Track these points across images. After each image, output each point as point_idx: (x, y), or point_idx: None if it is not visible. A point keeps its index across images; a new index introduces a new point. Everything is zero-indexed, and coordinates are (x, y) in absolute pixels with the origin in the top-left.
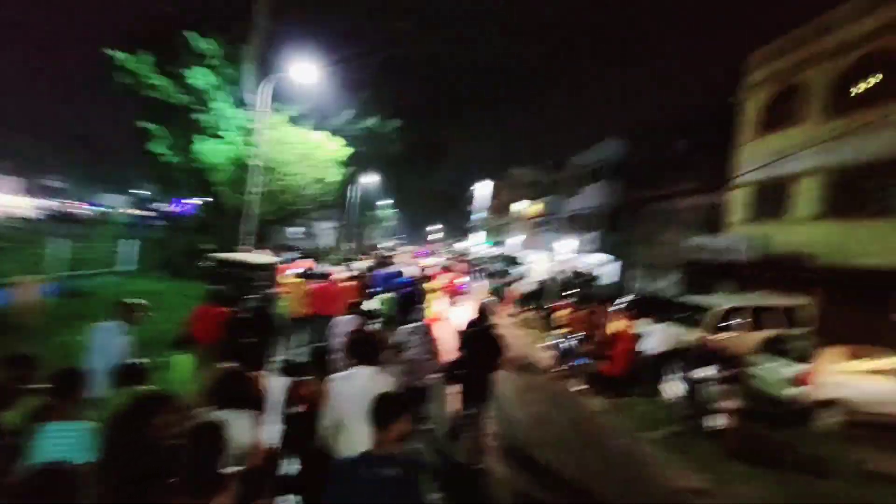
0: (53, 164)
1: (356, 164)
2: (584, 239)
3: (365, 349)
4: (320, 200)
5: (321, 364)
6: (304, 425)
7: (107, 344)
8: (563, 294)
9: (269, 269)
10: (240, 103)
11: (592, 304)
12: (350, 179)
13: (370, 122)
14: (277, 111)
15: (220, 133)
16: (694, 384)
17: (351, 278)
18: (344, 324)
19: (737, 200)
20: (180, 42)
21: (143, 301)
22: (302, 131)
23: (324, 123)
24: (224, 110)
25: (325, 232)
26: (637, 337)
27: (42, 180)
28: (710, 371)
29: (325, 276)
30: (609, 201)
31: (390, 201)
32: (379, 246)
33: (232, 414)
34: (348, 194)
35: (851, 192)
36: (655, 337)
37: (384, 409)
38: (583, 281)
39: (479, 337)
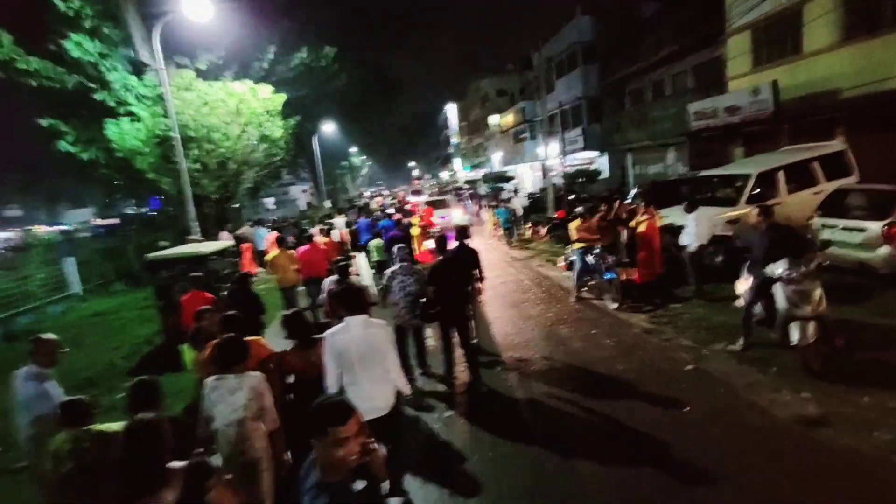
0: (6, 193)
1: (304, 111)
2: (567, 138)
3: (352, 299)
4: (272, 162)
5: (300, 330)
6: (303, 393)
7: (30, 391)
8: (570, 202)
9: (214, 257)
10: (138, 69)
11: (599, 205)
12: (301, 130)
13: (299, 55)
14: (181, 66)
15: (127, 110)
16: (762, 282)
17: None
18: (330, 284)
19: (736, 50)
20: (43, 9)
21: (52, 336)
22: (221, 85)
23: (247, 72)
24: (123, 81)
25: (302, 195)
26: (663, 231)
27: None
28: (780, 267)
29: (309, 238)
30: (586, 89)
31: (357, 148)
32: (361, 196)
33: (232, 377)
34: (315, 148)
35: (869, 4)
36: (691, 227)
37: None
38: (583, 181)
39: (447, 266)
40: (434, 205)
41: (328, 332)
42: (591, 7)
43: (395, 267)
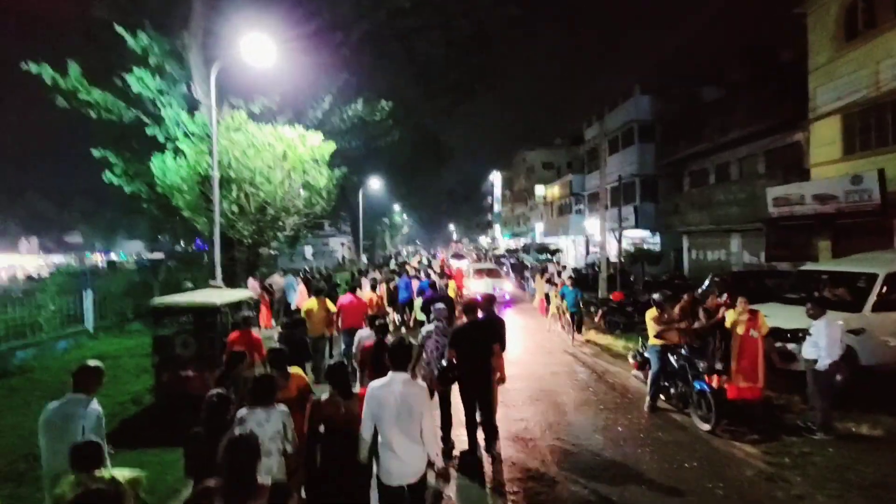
0: (72, 220)
1: (352, 163)
2: (613, 216)
3: (402, 355)
4: (313, 212)
5: (341, 380)
6: (334, 446)
7: (65, 423)
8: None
9: (225, 309)
10: (192, 107)
11: (677, 293)
12: (347, 182)
13: (355, 107)
14: (235, 107)
15: (175, 146)
16: None
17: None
18: (366, 336)
19: (823, 135)
20: (112, 45)
21: (98, 364)
22: (271, 129)
23: (300, 119)
24: (176, 117)
25: (340, 246)
26: (771, 335)
27: (64, 236)
28: None
29: (353, 289)
30: (641, 167)
31: (399, 206)
32: (398, 254)
33: (260, 410)
34: (358, 202)
35: None
36: (820, 337)
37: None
38: (641, 262)
39: (473, 330)
40: (485, 274)
41: (372, 383)
42: (651, 87)
43: (431, 327)
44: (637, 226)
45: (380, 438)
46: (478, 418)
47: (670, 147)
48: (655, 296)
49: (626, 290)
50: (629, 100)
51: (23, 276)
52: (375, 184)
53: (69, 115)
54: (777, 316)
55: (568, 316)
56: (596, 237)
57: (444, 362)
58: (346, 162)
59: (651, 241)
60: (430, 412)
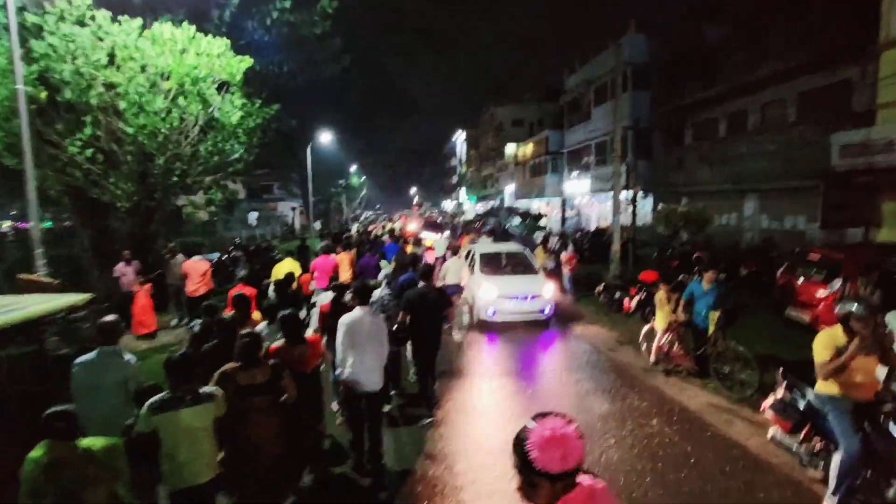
0: None
1: (292, 100)
2: (600, 175)
3: (366, 294)
4: (223, 159)
5: (291, 329)
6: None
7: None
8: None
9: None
10: None
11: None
12: (290, 131)
13: (280, 4)
14: None
15: None
16: None
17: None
18: (323, 300)
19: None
20: None
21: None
22: (139, 26)
23: (199, 24)
24: None
25: (291, 211)
26: None
27: None
28: None
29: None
30: (634, 118)
31: (357, 167)
32: (358, 219)
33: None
34: (307, 156)
35: None
36: None
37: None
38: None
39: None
40: (504, 264)
41: (344, 317)
42: (645, 24)
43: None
44: (627, 186)
45: (351, 358)
46: None
47: (669, 94)
48: (854, 307)
49: (660, 267)
50: (621, 39)
51: None
52: (327, 138)
53: None
54: None
55: (680, 338)
56: (576, 199)
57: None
58: (280, 98)
59: (642, 202)
60: (387, 338)
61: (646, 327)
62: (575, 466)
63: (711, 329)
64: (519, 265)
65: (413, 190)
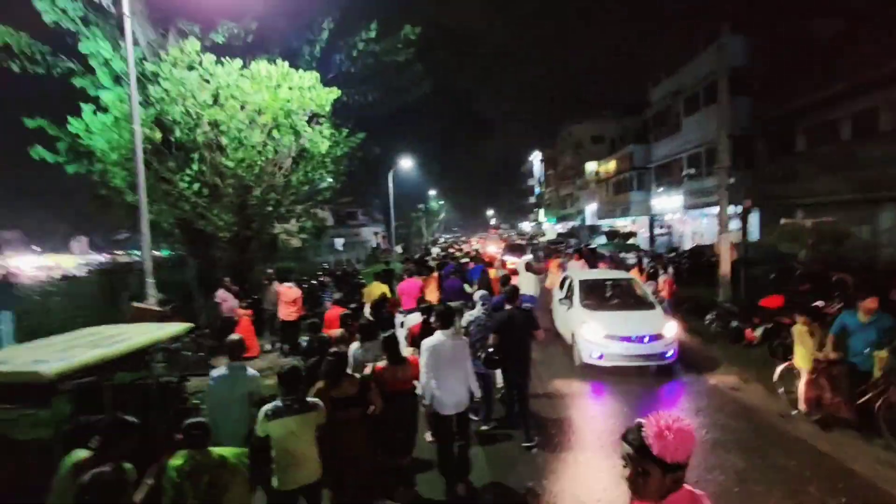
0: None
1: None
2: (693, 189)
3: (447, 318)
4: (316, 190)
5: (392, 350)
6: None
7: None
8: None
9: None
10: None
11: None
12: (369, 154)
13: (366, 34)
14: (184, 36)
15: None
16: None
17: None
18: (412, 321)
19: None
20: None
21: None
22: (239, 66)
23: (291, 60)
24: (94, 48)
25: (373, 236)
26: None
27: (113, 235)
28: None
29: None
30: (733, 126)
31: (435, 191)
32: (436, 241)
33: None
34: (388, 183)
35: None
36: None
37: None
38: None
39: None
40: (596, 293)
41: (426, 340)
42: (742, 26)
43: (477, 313)
44: (735, 200)
45: (434, 382)
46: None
47: (775, 98)
48: None
49: (786, 291)
50: (717, 41)
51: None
52: (407, 163)
53: None
54: None
55: (832, 381)
56: (666, 216)
57: (489, 349)
58: (365, 127)
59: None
60: (470, 360)
61: (780, 366)
62: (686, 459)
63: (877, 372)
64: (630, 297)
65: (490, 212)
